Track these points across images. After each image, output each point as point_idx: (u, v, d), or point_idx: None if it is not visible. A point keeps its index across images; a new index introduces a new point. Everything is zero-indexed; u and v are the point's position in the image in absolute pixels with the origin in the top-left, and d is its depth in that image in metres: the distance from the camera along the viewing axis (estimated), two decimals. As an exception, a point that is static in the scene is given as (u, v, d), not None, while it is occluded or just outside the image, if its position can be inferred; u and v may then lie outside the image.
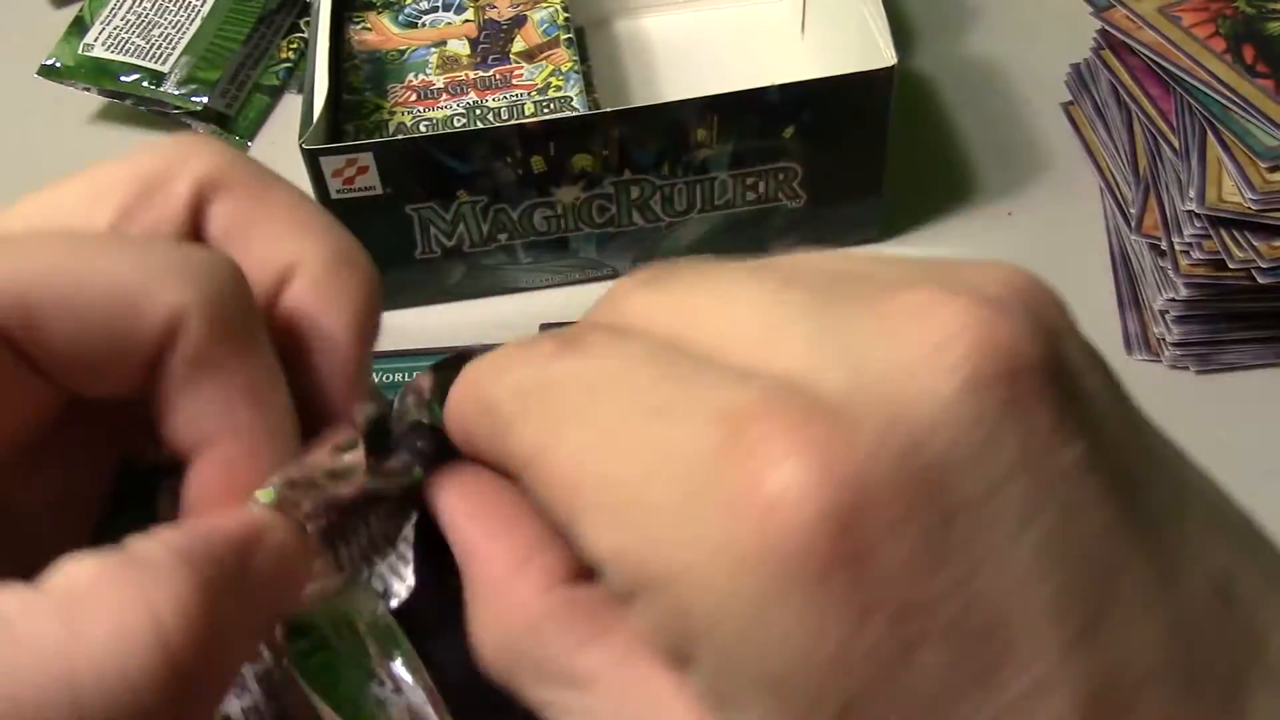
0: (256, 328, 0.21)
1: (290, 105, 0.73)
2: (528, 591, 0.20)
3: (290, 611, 0.22)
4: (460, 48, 0.66)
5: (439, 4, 0.68)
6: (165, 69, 0.71)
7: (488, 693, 0.21)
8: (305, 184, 0.54)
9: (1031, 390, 0.16)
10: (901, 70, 0.56)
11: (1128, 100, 0.61)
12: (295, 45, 0.75)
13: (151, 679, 0.17)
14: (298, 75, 0.74)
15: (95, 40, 0.72)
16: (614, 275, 0.62)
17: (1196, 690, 0.16)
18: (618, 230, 0.60)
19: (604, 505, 0.18)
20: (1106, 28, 0.62)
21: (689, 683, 0.18)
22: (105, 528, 0.23)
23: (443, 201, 0.57)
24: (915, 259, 0.19)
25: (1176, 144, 0.57)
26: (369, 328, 0.23)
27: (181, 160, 0.22)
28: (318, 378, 0.23)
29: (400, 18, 0.68)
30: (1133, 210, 0.59)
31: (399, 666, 0.22)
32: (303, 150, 0.54)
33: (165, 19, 0.73)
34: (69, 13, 0.74)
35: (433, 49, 0.66)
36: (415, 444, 0.23)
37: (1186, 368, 0.58)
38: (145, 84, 0.71)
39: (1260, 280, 0.53)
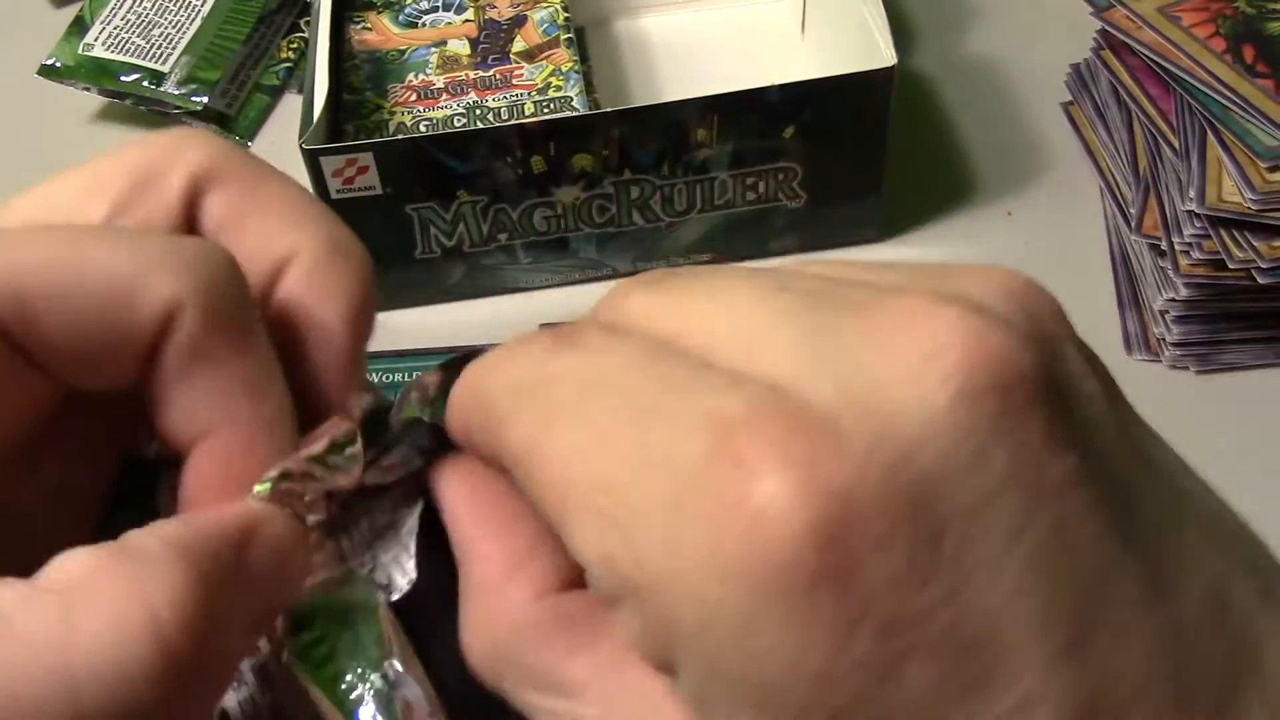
0: (253, 318, 0.21)
1: (290, 105, 0.73)
2: (519, 598, 0.20)
3: (289, 604, 0.22)
4: (460, 48, 0.66)
5: (439, 4, 0.68)
6: (165, 69, 0.71)
7: (484, 692, 0.21)
8: (305, 184, 0.54)
9: (1023, 402, 0.16)
10: (901, 70, 0.56)
11: (1128, 100, 0.61)
12: (295, 45, 0.75)
13: (148, 673, 0.17)
14: (298, 75, 0.74)
15: (95, 40, 0.72)
16: (614, 275, 0.62)
17: (1188, 702, 0.16)
18: (618, 230, 0.60)
19: (592, 507, 0.18)
20: (1106, 28, 0.62)
21: (678, 688, 0.18)
22: (107, 523, 0.23)
23: (443, 201, 0.57)
24: (914, 265, 0.19)
25: (1176, 144, 0.57)
26: (364, 318, 0.23)
27: (175, 153, 0.22)
28: (313, 368, 0.23)
29: (400, 18, 0.68)
30: (1133, 210, 0.59)
31: (396, 661, 0.22)
32: (303, 150, 0.54)
33: (165, 19, 0.73)
34: (69, 13, 0.74)
35: (433, 49, 0.66)
36: (414, 439, 0.23)
37: (1186, 368, 0.58)
38: (145, 84, 0.71)
39: (1260, 280, 0.53)
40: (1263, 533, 0.19)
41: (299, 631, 0.22)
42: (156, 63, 0.71)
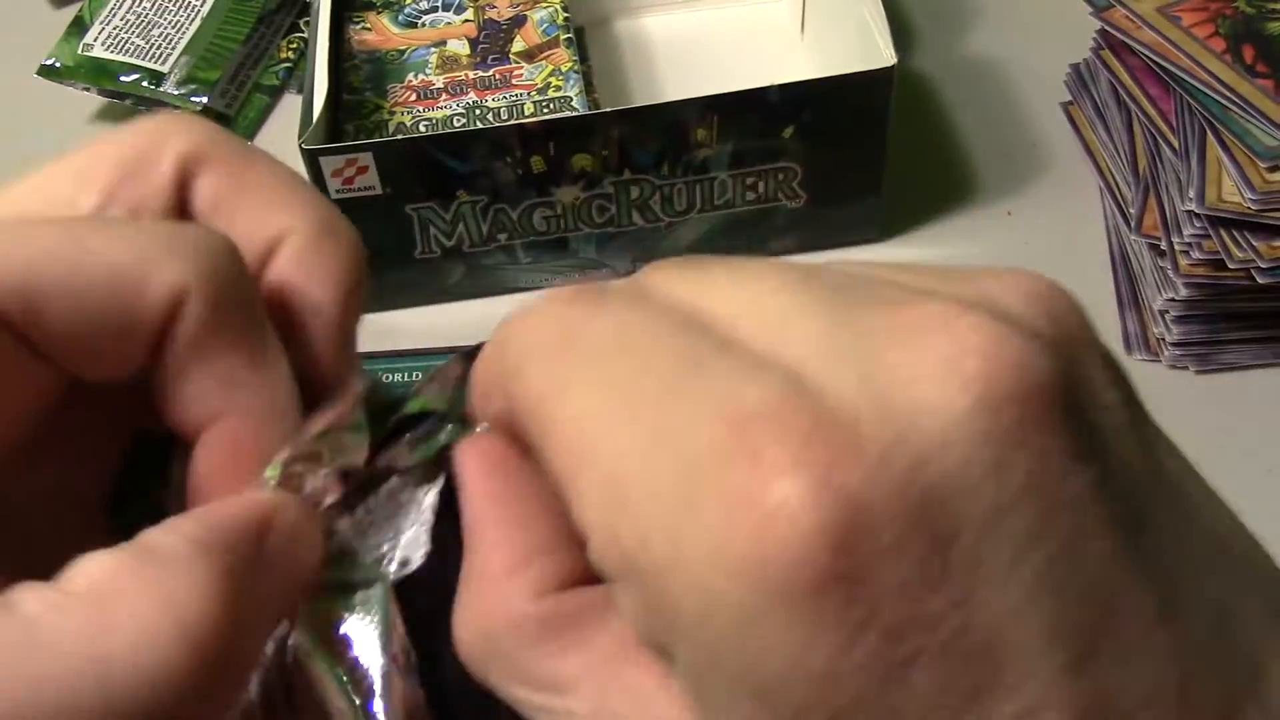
0: (256, 303, 0.22)
1: (290, 105, 0.73)
2: (519, 594, 0.20)
3: (304, 587, 0.22)
4: (460, 48, 0.66)
5: (439, 4, 0.68)
6: (165, 69, 0.71)
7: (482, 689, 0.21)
8: (305, 184, 0.54)
9: (1043, 412, 0.16)
10: (901, 70, 0.56)
11: (1127, 100, 0.61)
12: (295, 45, 0.75)
13: (180, 673, 0.17)
14: (297, 75, 0.74)
15: (95, 40, 0.72)
16: (614, 275, 0.62)
17: (1191, 717, 0.16)
18: (617, 230, 0.60)
19: (601, 477, 0.17)
20: (1106, 28, 0.62)
21: (674, 685, 0.18)
22: (118, 496, 0.23)
23: (442, 201, 0.57)
24: (939, 268, 0.19)
25: (1176, 144, 0.57)
26: (355, 297, 0.23)
27: (164, 138, 0.22)
28: (307, 349, 0.23)
29: (400, 18, 0.68)
30: (1132, 210, 0.59)
31: (395, 646, 0.22)
32: (302, 150, 0.54)
33: (165, 19, 0.73)
34: (69, 13, 0.74)
35: (432, 49, 0.66)
36: (428, 428, 0.23)
37: (1186, 368, 0.58)
38: (145, 84, 0.71)
39: (1260, 280, 0.53)
40: (1263, 532, 0.19)
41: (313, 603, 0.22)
42: (156, 63, 0.71)
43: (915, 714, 0.15)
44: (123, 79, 0.71)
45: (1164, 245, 0.56)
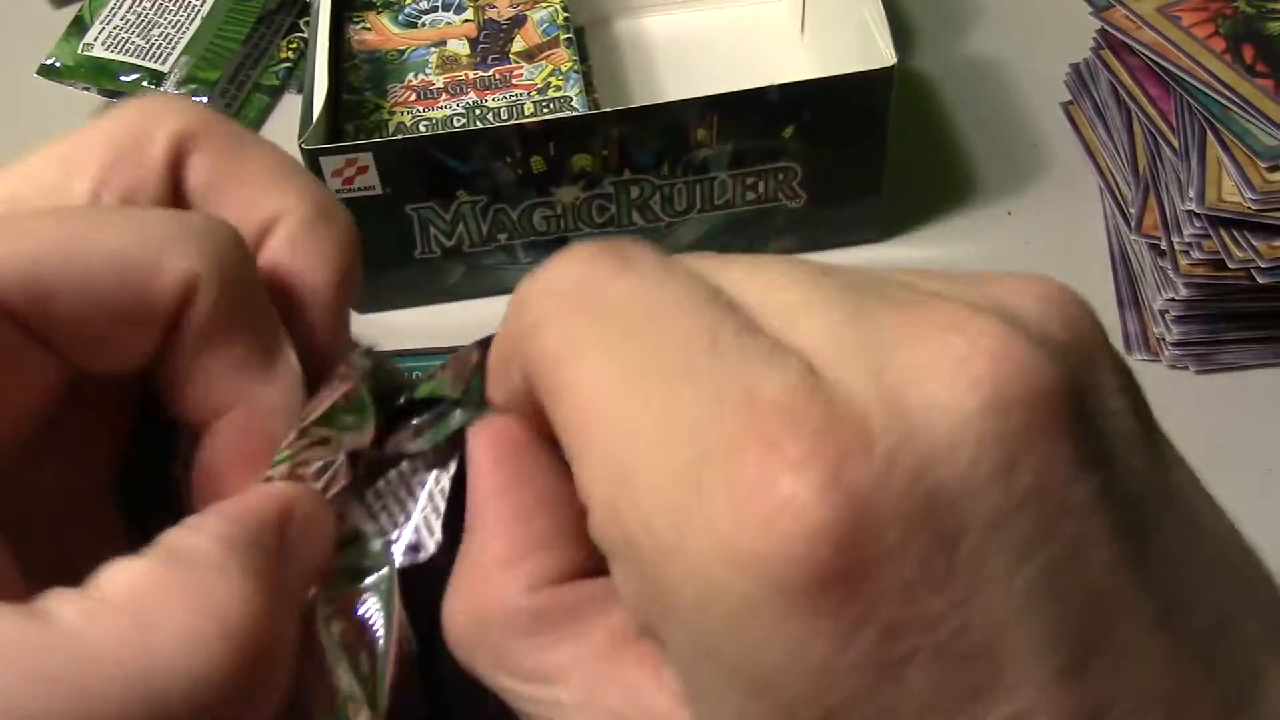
0: (262, 291, 0.22)
1: (290, 105, 0.73)
2: (515, 586, 0.20)
3: (321, 572, 0.22)
4: (460, 48, 0.66)
5: (439, 4, 0.68)
6: (165, 69, 0.71)
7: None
8: (305, 184, 0.54)
9: (1051, 417, 0.16)
10: (901, 70, 0.56)
11: (1127, 100, 0.61)
12: (295, 45, 0.75)
13: (226, 673, 0.18)
14: (297, 75, 0.74)
15: (95, 40, 0.72)
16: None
17: None
18: (618, 230, 0.60)
19: (608, 451, 0.17)
20: (1106, 28, 0.62)
21: (667, 679, 0.18)
22: (124, 467, 0.23)
23: (442, 201, 0.57)
24: (952, 272, 0.19)
25: (1176, 144, 0.57)
26: (349, 279, 0.23)
27: (155, 119, 0.22)
28: (303, 331, 0.22)
29: (400, 18, 0.68)
30: (1132, 210, 0.59)
31: (382, 626, 0.22)
32: (302, 150, 0.54)
33: (165, 19, 0.73)
34: (69, 13, 0.74)
35: (432, 49, 0.66)
36: (439, 411, 0.23)
37: (1186, 367, 0.58)
38: (145, 84, 0.71)
39: (1260, 280, 0.53)
40: (1263, 532, 0.19)
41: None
42: (156, 63, 0.71)
43: (910, 713, 0.15)
44: (123, 79, 0.71)
45: (1164, 245, 0.56)
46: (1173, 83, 0.58)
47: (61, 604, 0.17)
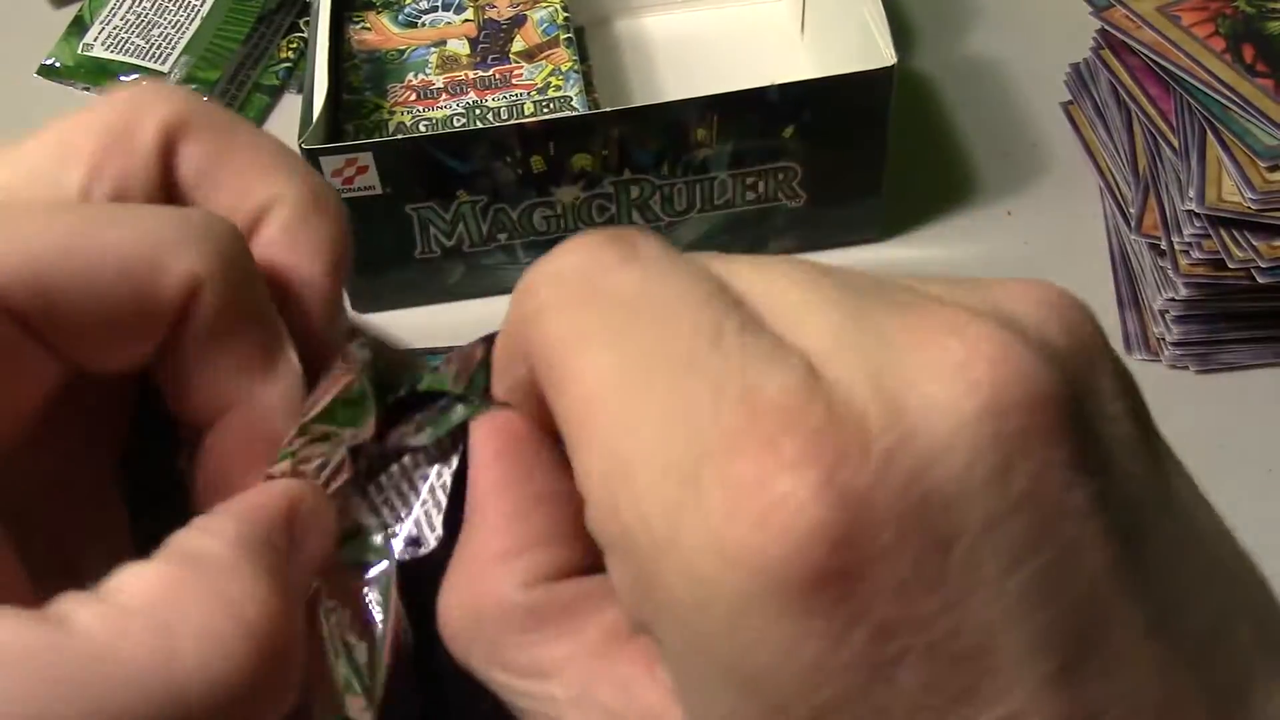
0: (263, 287, 0.21)
1: (290, 105, 0.73)
2: (511, 582, 0.20)
3: (324, 565, 0.22)
4: (460, 47, 0.66)
5: (439, 4, 0.68)
6: (165, 69, 0.71)
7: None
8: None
9: (1049, 422, 0.16)
10: (901, 70, 0.56)
11: (1127, 100, 0.61)
12: (295, 45, 0.75)
13: (247, 673, 0.18)
14: (297, 75, 0.74)
15: (95, 40, 0.72)
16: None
17: None
18: (617, 230, 0.60)
19: (607, 444, 0.17)
20: (1106, 27, 0.62)
21: (661, 676, 0.18)
22: (129, 456, 0.23)
23: (442, 201, 0.57)
24: (953, 278, 0.19)
25: (1176, 144, 0.57)
26: (342, 267, 0.23)
27: (145, 107, 0.22)
28: (298, 322, 0.22)
29: (400, 17, 0.68)
30: (1133, 210, 0.59)
31: (382, 624, 0.22)
32: (302, 150, 0.54)
33: (165, 19, 0.73)
34: (69, 13, 0.74)
35: (432, 49, 0.66)
36: (443, 405, 0.23)
37: (1186, 367, 0.58)
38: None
39: (1260, 280, 0.53)
40: (1263, 533, 0.19)
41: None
42: (156, 63, 0.71)
43: (901, 713, 0.15)
44: (123, 79, 0.71)
45: (1164, 245, 0.56)
46: (1173, 82, 0.58)
47: (77, 609, 0.17)
